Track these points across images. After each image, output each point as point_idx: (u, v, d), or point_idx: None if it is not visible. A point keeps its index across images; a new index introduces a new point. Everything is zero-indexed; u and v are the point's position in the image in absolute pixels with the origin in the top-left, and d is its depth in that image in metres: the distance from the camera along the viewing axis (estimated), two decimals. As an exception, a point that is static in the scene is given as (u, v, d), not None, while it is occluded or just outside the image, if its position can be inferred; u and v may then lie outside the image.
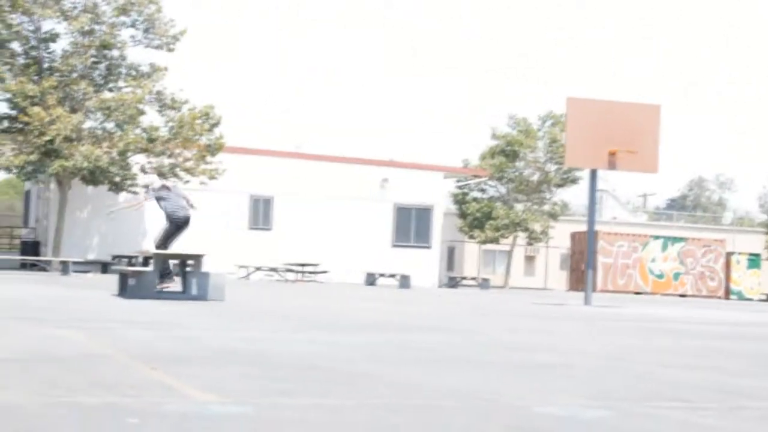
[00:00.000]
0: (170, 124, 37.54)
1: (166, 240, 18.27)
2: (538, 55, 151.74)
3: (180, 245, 18.30)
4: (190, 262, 16.19)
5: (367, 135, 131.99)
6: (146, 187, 20.03)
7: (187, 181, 37.52)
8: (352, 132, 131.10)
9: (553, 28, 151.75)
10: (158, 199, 18.53)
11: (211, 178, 37.78)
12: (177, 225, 18.31)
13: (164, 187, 19.01)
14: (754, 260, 55.34)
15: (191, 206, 18.54)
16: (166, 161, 37.50)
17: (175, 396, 4.33)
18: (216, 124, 37.89)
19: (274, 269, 39.47)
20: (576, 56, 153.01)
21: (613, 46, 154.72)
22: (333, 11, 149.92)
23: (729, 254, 54.80)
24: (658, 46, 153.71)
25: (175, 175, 37.41)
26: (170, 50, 38.03)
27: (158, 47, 37.93)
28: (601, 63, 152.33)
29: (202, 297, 15.56)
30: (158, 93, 37.60)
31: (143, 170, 36.98)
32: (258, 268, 39.84)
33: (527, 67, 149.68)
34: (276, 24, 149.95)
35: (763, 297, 56.00)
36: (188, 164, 37.59)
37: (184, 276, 16.14)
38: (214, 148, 37.65)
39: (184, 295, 15.81)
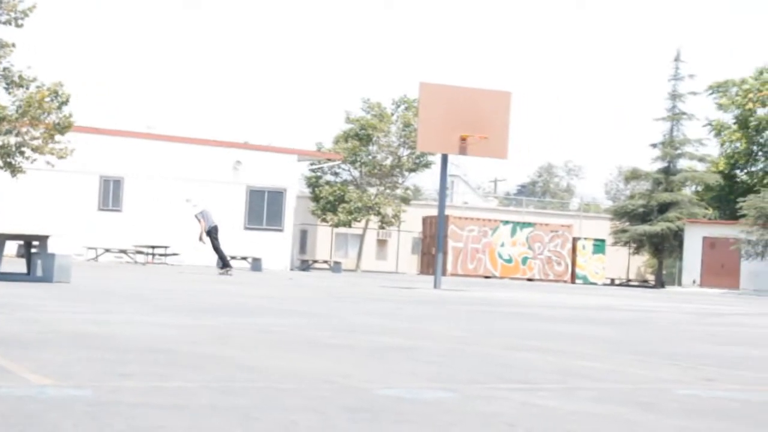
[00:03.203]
0: (17, 102, 36.55)
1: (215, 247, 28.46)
2: (392, 39, 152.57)
3: (26, 226, 18.25)
4: (35, 243, 15.82)
5: (220, 116, 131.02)
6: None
7: (34, 160, 36.66)
8: (206, 113, 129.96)
9: (407, 12, 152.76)
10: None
11: (60, 157, 36.93)
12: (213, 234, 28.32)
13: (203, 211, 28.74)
14: (599, 246, 56.77)
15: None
16: (13, 140, 36.52)
17: (11, 380, 4.23)
18: (65, 103, 37.02)
19: (123, 251, 38.90)
20: (429, 41, 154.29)
21: (466, 32, 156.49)
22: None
23: (575, 240, 56.09)
24: (511, 33, 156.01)
25: (22, 154, 36.49)
26: (18, 26, 37.00)
27: (6, 23, 36.86)
28: (454, 49, 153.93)
29: (47, 279, 15.23)
30: (5, 70, 36.55)
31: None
32: (107, 250, 39.20)
33: (382, 51, 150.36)
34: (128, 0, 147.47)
35: (607, 281, 57.49)
36: (35, 143, 36.66)
37: (29, 257, 15.78)
38: (62, 127, 36.79)
39: (28, 276, 15.46)
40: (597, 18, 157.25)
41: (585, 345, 7.88)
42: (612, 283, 57.98)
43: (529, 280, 52.80)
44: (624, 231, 61.11)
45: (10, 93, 36.73)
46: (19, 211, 39.24)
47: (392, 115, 56.31)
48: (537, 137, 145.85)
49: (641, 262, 68.98)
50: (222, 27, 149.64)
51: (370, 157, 56.14)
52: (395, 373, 5.18)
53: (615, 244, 61.63)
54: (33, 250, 15.82)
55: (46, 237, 15.87)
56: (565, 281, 54.03)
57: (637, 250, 62.27)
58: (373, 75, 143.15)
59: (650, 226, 58.83)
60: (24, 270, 15.85)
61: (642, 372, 5.91)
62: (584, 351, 7.24)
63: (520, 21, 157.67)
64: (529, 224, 55.68)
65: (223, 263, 28.07)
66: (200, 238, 28.64)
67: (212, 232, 28.31)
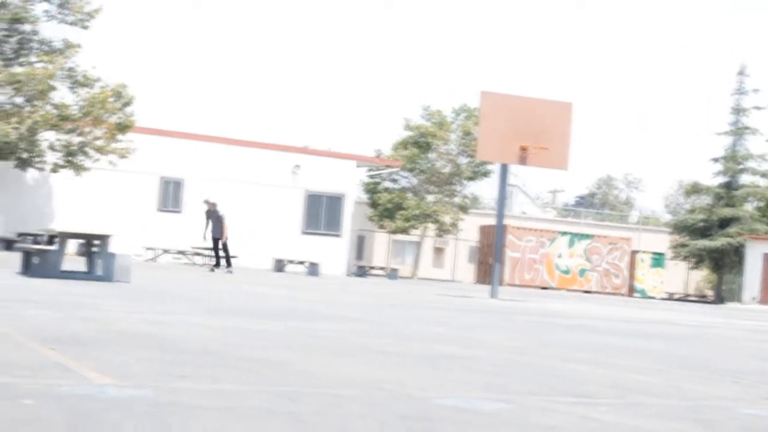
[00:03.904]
0: (81, 102, 36.99)
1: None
2: (453, 47, 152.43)
3: (87, 225, 18.44)
4: (96, 242, 15.97)
5: (281, 121, 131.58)
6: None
7: (96, 160, 37.04)
8: (266, 117, 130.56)
9: (469, 21, 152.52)
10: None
11: (122, 157, 37.31)
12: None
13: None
14: (658, 259, 56.26)
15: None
16: (76, 139, 36.96)
17: (72, 378, 4.26)
18: (128, 103, 37.43)
19: (182, 252, 39.14)
20: (491, 50, 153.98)
21: (528, 41, 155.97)
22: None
23: (634, 252, 55.65)
24: (573, 44, 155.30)
25: (84, 153, 36.89)
26: (85, 27, 37.48)
27: (72, 23, 37.35)
28: (515, 58, 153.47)
29: (107, 278, 15.37)
30: (70, 69, 37.02)
31: (51, 147, 36.45)
32: (166, 251, 39.48)
33: (443, 59, 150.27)
34: (192, 2, 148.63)
35: (665, 296, 56.97)
36: (98, 143, 37.08)
37: (90, 256, 15.93)
38: (123, 126, 37.15)
39: (89, 275, 15.61)
40: (661, 31, 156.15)
41: (641, 359, 7.80)
42: (670, 297, 57.44)
43: (587, 292, 52.45)
44: (684, 245, 60.54)
45: (74, 92, 37.19)
46: (80, 210, 39.63)
47: (452, 123, 56.23)
48: (597, 148, 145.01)
49: (700, 277, 68.30)
50: (285, 32, 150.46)
51: (428, 164, 56.10)
52: (450, 381, 5.17)
53: (674, 258, 61.08)
54: (94, 249, 15.96)
55: (108, 236, 16.01)
56: (622, 294, 53.61)
57: (697, 265, 61.66)
58: (434, 83, 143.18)
59: (710, 241, 58.23)
60: (84, 269, 16.00)
61: (700, 388, 5.85)
62: (640, 365, 7.17)
63: (582, 32, 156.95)
64: (588, 236, 55.34)
65: (224, 263, 31.24)
66: (204, 236, 31.82)
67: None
